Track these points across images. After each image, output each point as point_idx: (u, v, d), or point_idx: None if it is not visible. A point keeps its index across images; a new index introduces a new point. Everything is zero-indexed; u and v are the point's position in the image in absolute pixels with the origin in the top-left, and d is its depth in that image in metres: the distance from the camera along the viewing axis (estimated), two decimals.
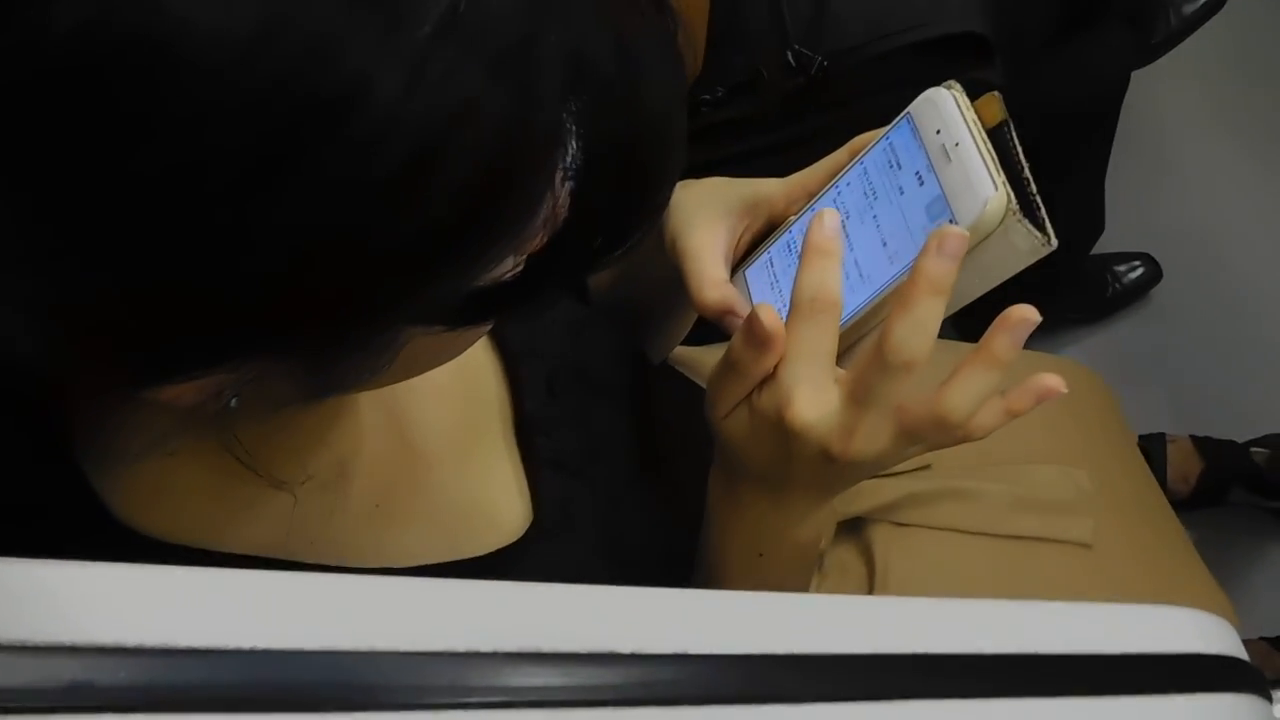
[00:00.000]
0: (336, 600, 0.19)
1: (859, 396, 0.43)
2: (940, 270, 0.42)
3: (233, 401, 0.33)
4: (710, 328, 0.54)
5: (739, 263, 0.54)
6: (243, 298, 0.27)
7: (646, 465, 0.57)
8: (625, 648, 0.20)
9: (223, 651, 0.17)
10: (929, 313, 0.42)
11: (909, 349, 0.42)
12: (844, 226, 0.49)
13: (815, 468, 0.45)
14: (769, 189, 0.53)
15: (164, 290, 0.27)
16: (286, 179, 0.25)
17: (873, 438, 0.44)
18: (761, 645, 0.22)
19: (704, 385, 0.49)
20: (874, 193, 0.48)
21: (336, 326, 0.29)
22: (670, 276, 0.54)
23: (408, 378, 0.38)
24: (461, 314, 0.32)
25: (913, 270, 0.42)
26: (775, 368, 0.45)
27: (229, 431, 0.40)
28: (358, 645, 0.19)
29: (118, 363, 0.29)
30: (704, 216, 0.53)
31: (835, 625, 0.23)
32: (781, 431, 0.45)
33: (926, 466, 0.73)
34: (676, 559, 0.54)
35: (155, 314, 0.27)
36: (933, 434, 0.44)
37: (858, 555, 0.70)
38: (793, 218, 0.53)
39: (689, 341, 0.67)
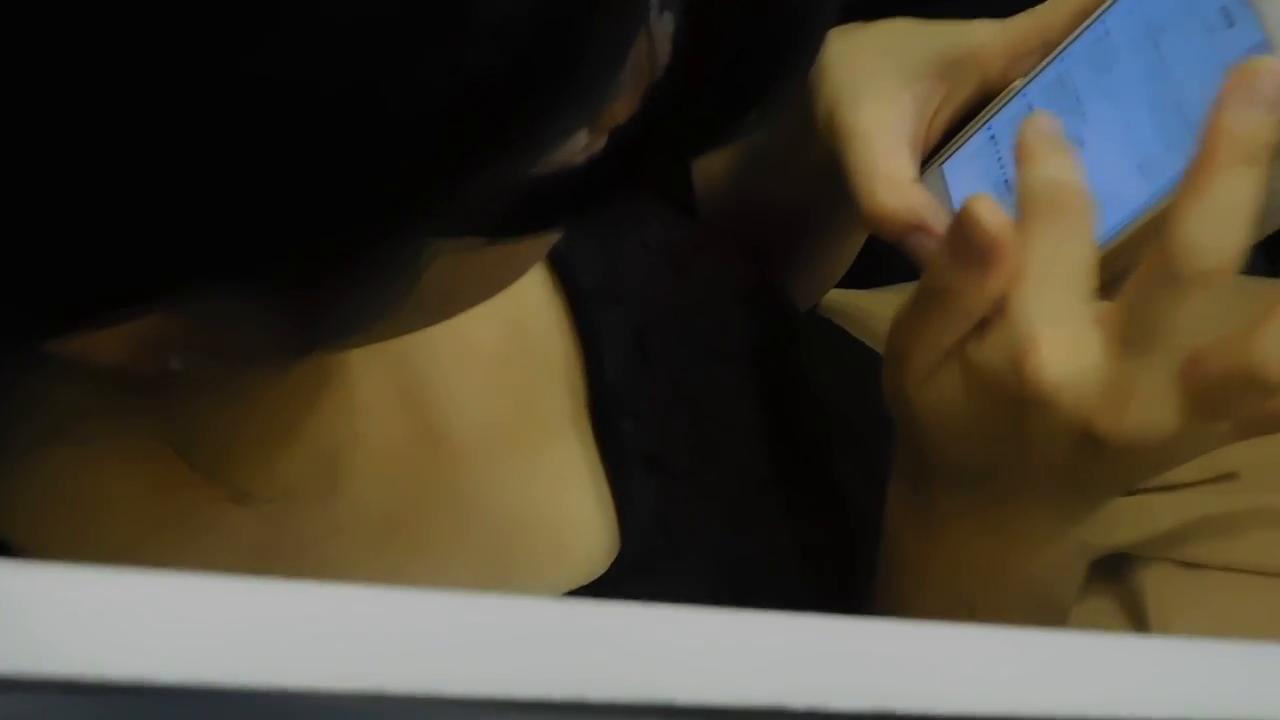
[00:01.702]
0: (387, 625, 0.20)
1: (1132, 337, 0.43)
2: (1251, 125, 0.41)
3: (174, 361, 0.33)
4: (884, 259, 0.53)
5: (934, 152, 0.54)
6: (189, 188, 0.27)
7: (785, 463, 0.57)
8: (799, 702, 0.20)
9: (222, 691, 0.18)
10: (1236, 193, 0.41)
11: (1207, 251, 0.41)
12: (1114, 91, 0.48)
13: (1065, 458, 0.45)
14: (981, 38, 0.53)
15: (67, 175, 0.27)
16: (261, 11, 0.25)
17: (1155, 406, 0.43)
18: (1002, 703, 0.22)
19: (874, 344, 0.49)
20: (1152, 41, 0.48)
21: (329, 235, 0.29)
22: (823, 173, 0.54)
23: (429, 324, 0.39)
24: (510, 218, 0.32)
25: (1210, 130, 0.42)
26: (1004, 299, 0.44)
27: (168, 412, 0.41)
28: (419, 688, 0.19)
29: (2, 295, 0.30)
30: (878, 81, 0.53)
31: (1110, 672, 0.23)
32: (1014, 398, 0.44)
33: (1231, 475, 0.72)
34: (830, 600, 0.54)
35: (55, 212, 0.28)
36: (1243, 401, 0.43)
37: (1120, 608, 0.70)
38: (1020, 82, 0.53)
39: (851, 281, 0.67)
